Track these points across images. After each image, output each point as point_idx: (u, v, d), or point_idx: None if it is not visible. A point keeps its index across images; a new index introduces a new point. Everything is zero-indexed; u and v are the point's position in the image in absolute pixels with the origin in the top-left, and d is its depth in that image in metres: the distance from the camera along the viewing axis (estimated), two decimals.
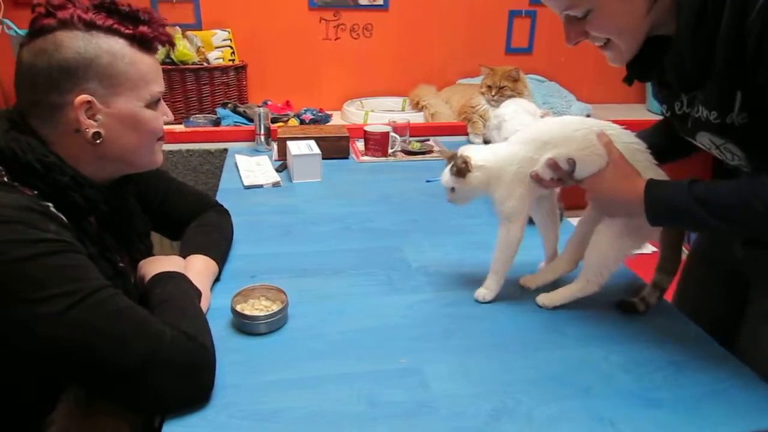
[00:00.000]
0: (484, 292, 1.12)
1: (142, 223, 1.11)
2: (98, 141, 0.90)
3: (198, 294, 1.01)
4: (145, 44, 0.93)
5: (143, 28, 0.92)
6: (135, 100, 0.92)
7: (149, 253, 1.10)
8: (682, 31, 0.83)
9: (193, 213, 1.26)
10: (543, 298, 1.10)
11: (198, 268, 1.10)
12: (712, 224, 0.85)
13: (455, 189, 1.10)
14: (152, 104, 0.95)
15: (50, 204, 0.84)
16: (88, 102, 0.87)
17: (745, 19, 0.75)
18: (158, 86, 0.96)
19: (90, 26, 0.88)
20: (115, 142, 0.92)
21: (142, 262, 1.06)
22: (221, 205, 1.33)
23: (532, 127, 1.09)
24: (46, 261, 0.77)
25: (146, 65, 0.93)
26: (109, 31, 0.89)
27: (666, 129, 1.10)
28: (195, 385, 0.84)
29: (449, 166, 1.09)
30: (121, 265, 0.98)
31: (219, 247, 1.21)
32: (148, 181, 1.18)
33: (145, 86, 0.93)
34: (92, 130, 0.89)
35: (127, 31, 0.90)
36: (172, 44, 1.00)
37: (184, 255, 1.13)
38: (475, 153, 1.09)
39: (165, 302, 0.92)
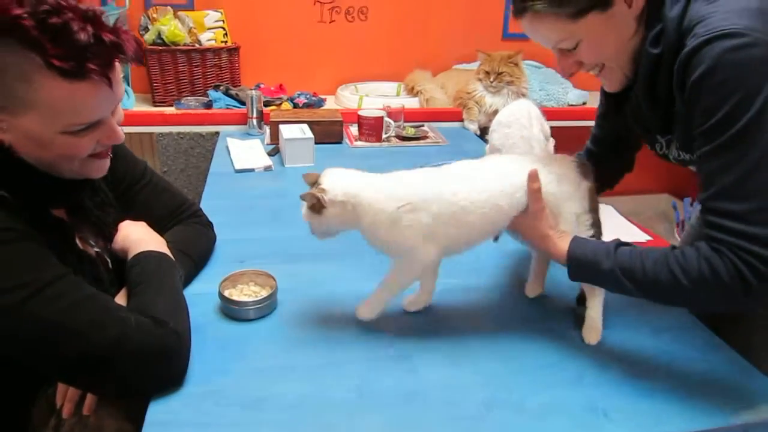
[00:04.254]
0: (364, 311, 0.98)
1: (115, 212, 1.03)
2: (6, 146, 0.80)
3: (180, 274, 0.98)
4: (67, 74, 0.75)
5: (62, 57, 0.73)
6: (45, 126, 0.78)
7: None
8: (640, 80, 0.88)
9: (167, 217, 1.12)
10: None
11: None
12: (627, 288, 0.84)
13: (311, 224, 0.93)
14: (76, 132, 0.80)
15: None
16: None
17: (687, 80, 0.79)
18: (81, 117, 0.79)
19: (8, 31, 0.72)
20: (27, 154, 0.81)
21: (125, 227, 1.00)
22: (203, 216, 1.19)
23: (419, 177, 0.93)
24: None
25: (63, 95, 0.76)
26: (30, 45, 0.73)
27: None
28: (165, 371, 0.82)
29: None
30: (96, 250, 0.95)
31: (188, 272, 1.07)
32: (114, 166, 0.99)
33: (56, 116, 0.77)
34: None
35: (46, 54, 0.73)
36: (133, 61, 0.83)
37: None
38: (336, 182, 0.89)
39: (141, 284, 0.90)
